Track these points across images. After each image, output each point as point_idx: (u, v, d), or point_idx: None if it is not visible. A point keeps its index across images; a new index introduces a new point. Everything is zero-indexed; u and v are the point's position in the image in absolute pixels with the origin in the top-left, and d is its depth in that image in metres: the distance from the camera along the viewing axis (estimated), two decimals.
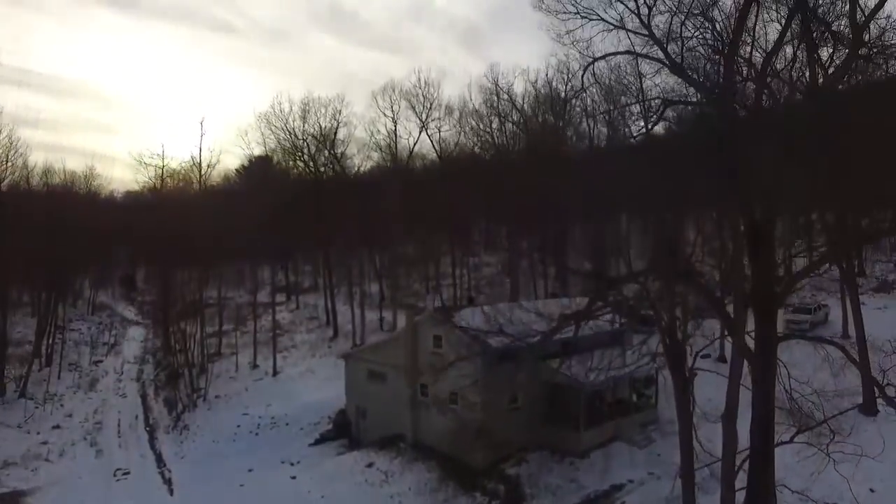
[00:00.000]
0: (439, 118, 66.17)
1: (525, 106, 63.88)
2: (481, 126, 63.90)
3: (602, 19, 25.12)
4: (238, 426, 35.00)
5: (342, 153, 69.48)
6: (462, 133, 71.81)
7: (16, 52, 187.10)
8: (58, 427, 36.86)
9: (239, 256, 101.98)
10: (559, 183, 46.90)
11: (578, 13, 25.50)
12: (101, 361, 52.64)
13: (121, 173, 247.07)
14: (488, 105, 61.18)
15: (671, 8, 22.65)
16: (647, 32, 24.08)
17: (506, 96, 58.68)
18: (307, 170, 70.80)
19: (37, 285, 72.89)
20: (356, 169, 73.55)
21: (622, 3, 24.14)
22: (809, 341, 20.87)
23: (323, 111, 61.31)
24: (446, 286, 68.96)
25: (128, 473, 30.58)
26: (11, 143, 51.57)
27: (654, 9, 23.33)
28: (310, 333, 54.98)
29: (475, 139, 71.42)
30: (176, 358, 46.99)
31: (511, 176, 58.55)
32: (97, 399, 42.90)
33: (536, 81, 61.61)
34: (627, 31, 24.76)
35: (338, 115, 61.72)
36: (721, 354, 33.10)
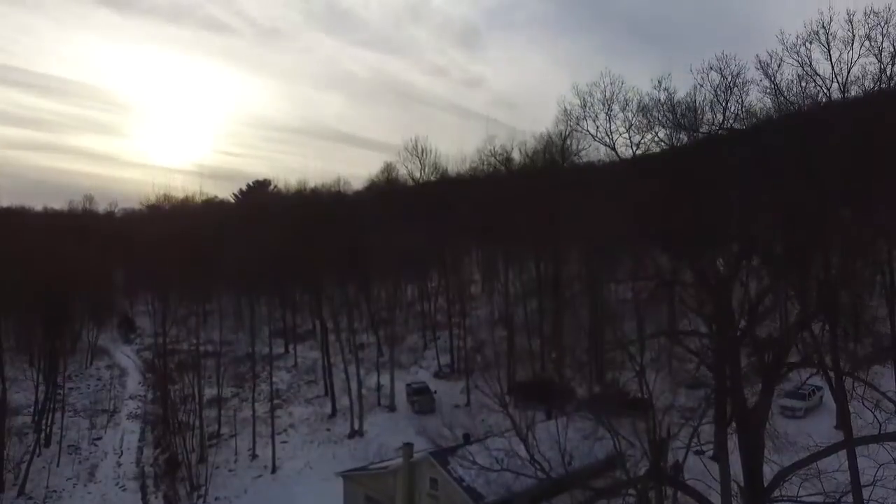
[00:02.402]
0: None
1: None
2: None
3: None
4: None
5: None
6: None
7: (13, 51, 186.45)
8: None
9: (238, 288, 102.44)
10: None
11: None
12: (99, 439, 52.81)
13: (119, 173, 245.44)
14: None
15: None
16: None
17: (503, 168, 59.08)
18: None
19: (34, 330, 73.36)
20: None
21: None
22: None
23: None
24: (444, 331, 69.18)
25: None
26: None
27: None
28: (308, 406, 55.27)
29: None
30: (174, 440, 47.26)
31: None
32: (97, 494, 43.13)
33: (534, 155, 61.75)
34: None
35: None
36: None
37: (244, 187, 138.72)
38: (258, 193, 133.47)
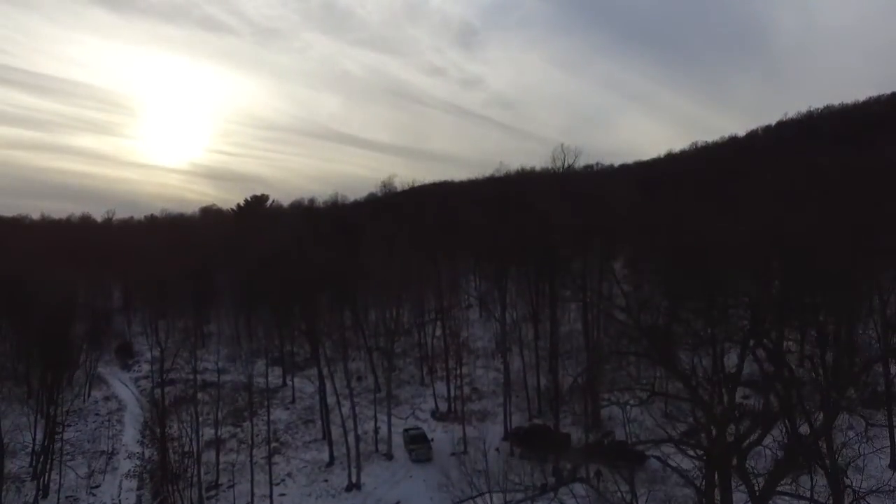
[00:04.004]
0: None
1: None
2: None
3: None
4: None
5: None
6: None
7: (13, 52, 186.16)
8: None
9: (236, 312, 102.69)
10: None
11: None
12: (97, 487, 52.90)
13: (117, 173, 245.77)
14: None
15: None
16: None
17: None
18: None
19: (33, 361, 73.18)
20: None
21: None
22: None
23: None
24: (441, 364, 69.12)
25: None
26: None
27: None
28: (307, 450, 55.43)
29: None
30: (172, 496, 47.50)
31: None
32: None
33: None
34: None
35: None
36: None
37: (242, 203, 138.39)
38: (256, 209, 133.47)
